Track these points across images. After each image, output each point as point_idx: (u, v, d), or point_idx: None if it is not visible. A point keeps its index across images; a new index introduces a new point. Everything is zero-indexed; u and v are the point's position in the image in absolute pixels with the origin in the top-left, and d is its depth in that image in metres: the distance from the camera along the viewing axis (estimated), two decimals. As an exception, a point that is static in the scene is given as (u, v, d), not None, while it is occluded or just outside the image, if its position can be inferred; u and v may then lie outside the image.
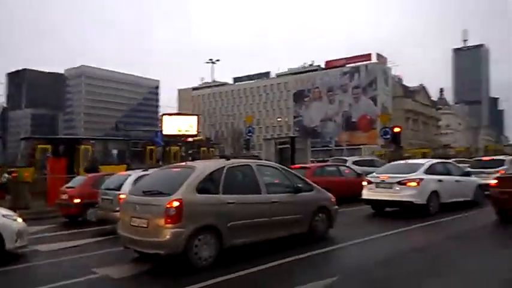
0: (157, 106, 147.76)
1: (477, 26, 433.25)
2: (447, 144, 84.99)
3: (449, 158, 24.17)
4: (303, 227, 7.68)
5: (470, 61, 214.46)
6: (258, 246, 6.97)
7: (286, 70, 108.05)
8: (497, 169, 14.40)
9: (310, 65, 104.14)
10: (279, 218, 7.19)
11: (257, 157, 27.22)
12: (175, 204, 6.02)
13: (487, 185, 11.13)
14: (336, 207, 8.52)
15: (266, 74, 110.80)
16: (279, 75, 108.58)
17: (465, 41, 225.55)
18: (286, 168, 8.78)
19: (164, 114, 37.40)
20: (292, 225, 7.51)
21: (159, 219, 6.06)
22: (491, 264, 6.36)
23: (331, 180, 13.45)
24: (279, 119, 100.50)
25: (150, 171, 9.38)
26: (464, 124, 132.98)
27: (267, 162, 9.81)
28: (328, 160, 26.24)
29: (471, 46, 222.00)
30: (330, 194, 8.53)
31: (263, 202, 7.04)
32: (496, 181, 10.22)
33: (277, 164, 8.98)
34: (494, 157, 18.53)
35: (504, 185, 9.84)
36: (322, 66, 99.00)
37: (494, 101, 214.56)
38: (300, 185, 7.81)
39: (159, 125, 37.55)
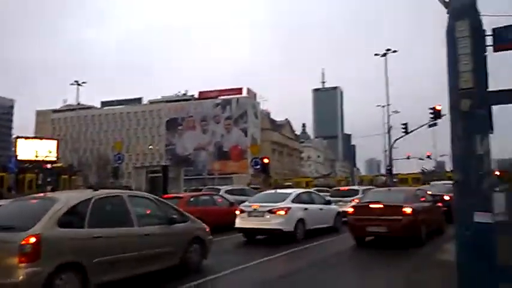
0: (10, 128, 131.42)
1: (333, 69, 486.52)
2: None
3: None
4: (177, 259, 7.46)
5: (327, 100, 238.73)
6: (128, 281, 6.51)
7: (160, 97, 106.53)
8: (353, 198, 16.04)
9: (184, 94, 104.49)
10: (151, 251, 6.87)
11: (129, 187, 25.87)
12: (32, 240, 5.35)
13: (345, 212, 12.29)
14: (211, 237, 8.49)
15: (138, 100, 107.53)
16: (151, 102, 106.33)
17: (323, 82, 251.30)
18: (159, 198, 8.50)
19: (19, 137, 33.72)
20: (166, 258, 7.24)
21: (12, 258, 5.29)
22: (351, 284, 6.95)
23: (205, 209, 13.37)
24: (150, 147, 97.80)
25: (1, 202, 8.21)
26: (323, 156, 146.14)
27: (139, 192, 9.37)
28: (201, 189, 26.25)
29: (328, 87, 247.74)
30: (204, 225, 8.49)
31: (135, 235, 6.67)
32: (352, 209, 11.33)
33: (150, 195, 8.63)
34: (351, 187, 20.67)
35: (359, 212, 10.96)
36: (196, 96, 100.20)
37: (348, 136, 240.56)
38: (173, 216, 7.61)
39: (13, 149, 33.66)
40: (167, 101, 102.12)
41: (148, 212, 7.53)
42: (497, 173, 35.14)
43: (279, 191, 14.63)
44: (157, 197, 8.32)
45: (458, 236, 4.47)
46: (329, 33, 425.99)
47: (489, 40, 4.57)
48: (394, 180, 38.41)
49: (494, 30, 4.61)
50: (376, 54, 42.74)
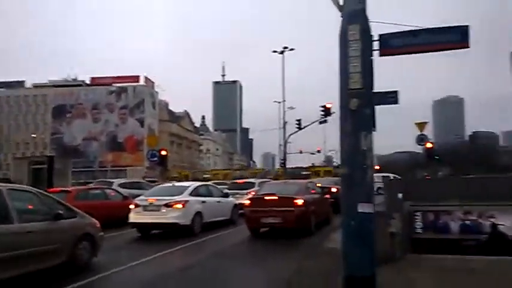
0: None
1: (234, 63, 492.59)
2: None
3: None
4: (64, 257, 6.93)
5: (227, 93, 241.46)
6: (11, 281, 5.87)
7: (46, 81, 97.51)
8: (249, 190, 16.44)
9: (74, 79, 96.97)
10: (35, 249, 6.28)
11: (8, 180, 23.25)
12: None
13: (242, 204, 12.55)
14: (101, 233, 8.10)
15: (20, 83, 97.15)
16: (35, 86, 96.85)
17: (223, 75, 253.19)
18: (43, 192, 7.80)
19: None
20: (52, 256, 6.70)
21: None
22: (246, 274, 7.13)
23: (95, 204, 12.72)
24: (33, 135, 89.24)
25: None
26: (222, 149, 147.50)
27: (20, 186, 8.49)
28: (92, 183, 24.68)
29: (228, 81, 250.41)
30: (94, 220, 8.07)
31: (15, 233, 6.02)
32: (248, 201, 11.60)
33: (33, 188, 7.87)
34: (248, 180, 21.16)
35: (255, 204, 11.27)
36: (87, 82, 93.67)
37: (246, 130, 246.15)
38: (60, 211, 7.05)
39: None
40: (54, 86, 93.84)
41: (30, 207, 6.90)
42: (377, 167, 39.49)
43: (176, 184, 14.42)
44: (41, 191, 7.63)
45: (344, 226, 4.79)
46: (231, 28, 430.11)
47: (376, 45, 4.97)
48: (308, 172, 40.45)
49: (380, 36, 5.02)
50: (274, 51, 44.00)
